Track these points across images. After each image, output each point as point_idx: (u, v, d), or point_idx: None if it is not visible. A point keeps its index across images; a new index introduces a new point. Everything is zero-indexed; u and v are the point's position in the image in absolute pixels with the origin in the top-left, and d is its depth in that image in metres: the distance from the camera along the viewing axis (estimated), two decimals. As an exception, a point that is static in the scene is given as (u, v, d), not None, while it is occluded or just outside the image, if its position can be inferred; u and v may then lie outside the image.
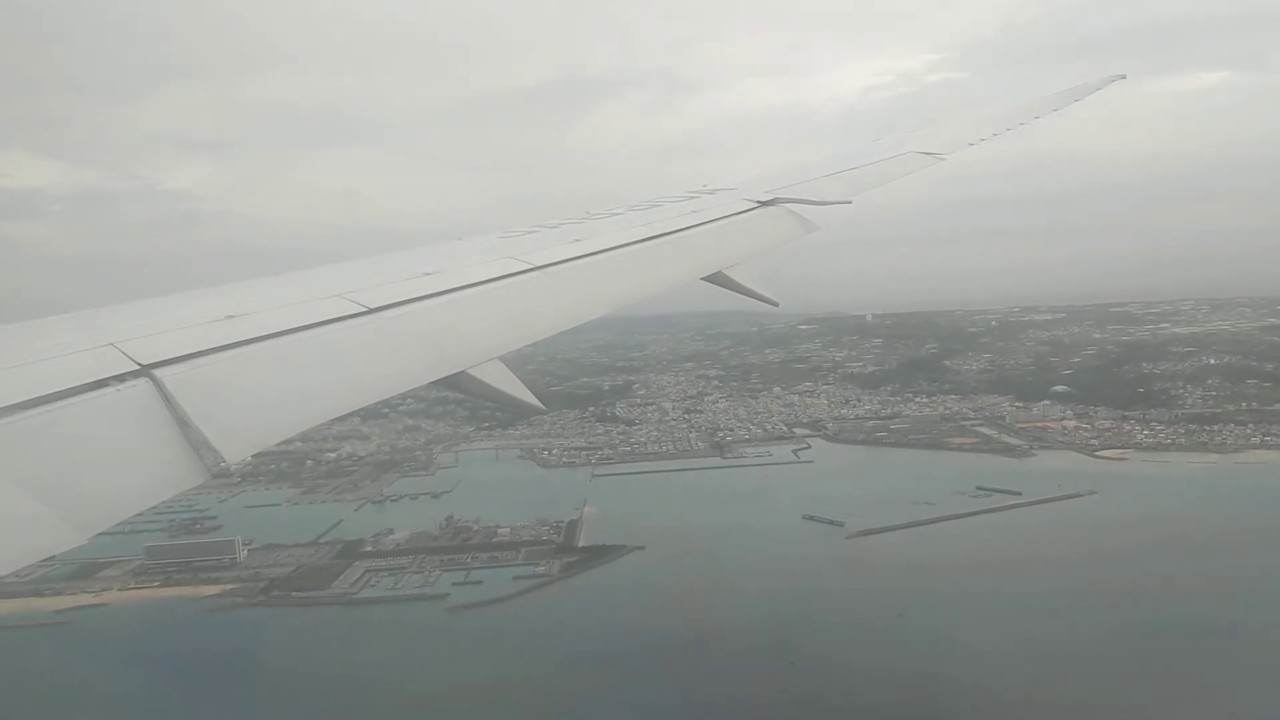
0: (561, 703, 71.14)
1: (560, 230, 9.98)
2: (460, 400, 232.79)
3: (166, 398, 4.90)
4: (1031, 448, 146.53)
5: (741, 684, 70.80)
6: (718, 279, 9.35)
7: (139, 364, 5.13)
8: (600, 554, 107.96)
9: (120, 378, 5.00)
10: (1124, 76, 20.06)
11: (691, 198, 12.17)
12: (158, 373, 5.07)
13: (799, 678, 71.62)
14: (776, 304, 9.76)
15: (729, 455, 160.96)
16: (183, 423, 4.78)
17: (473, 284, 7.52)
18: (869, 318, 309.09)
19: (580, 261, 8.57)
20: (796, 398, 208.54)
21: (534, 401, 6.68)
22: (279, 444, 5.29)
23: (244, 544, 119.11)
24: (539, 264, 8.19)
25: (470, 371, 6.32)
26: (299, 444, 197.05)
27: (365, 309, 6.54)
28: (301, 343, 5.95)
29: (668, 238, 9.74)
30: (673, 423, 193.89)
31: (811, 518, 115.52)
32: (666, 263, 9.40)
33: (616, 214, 11.12)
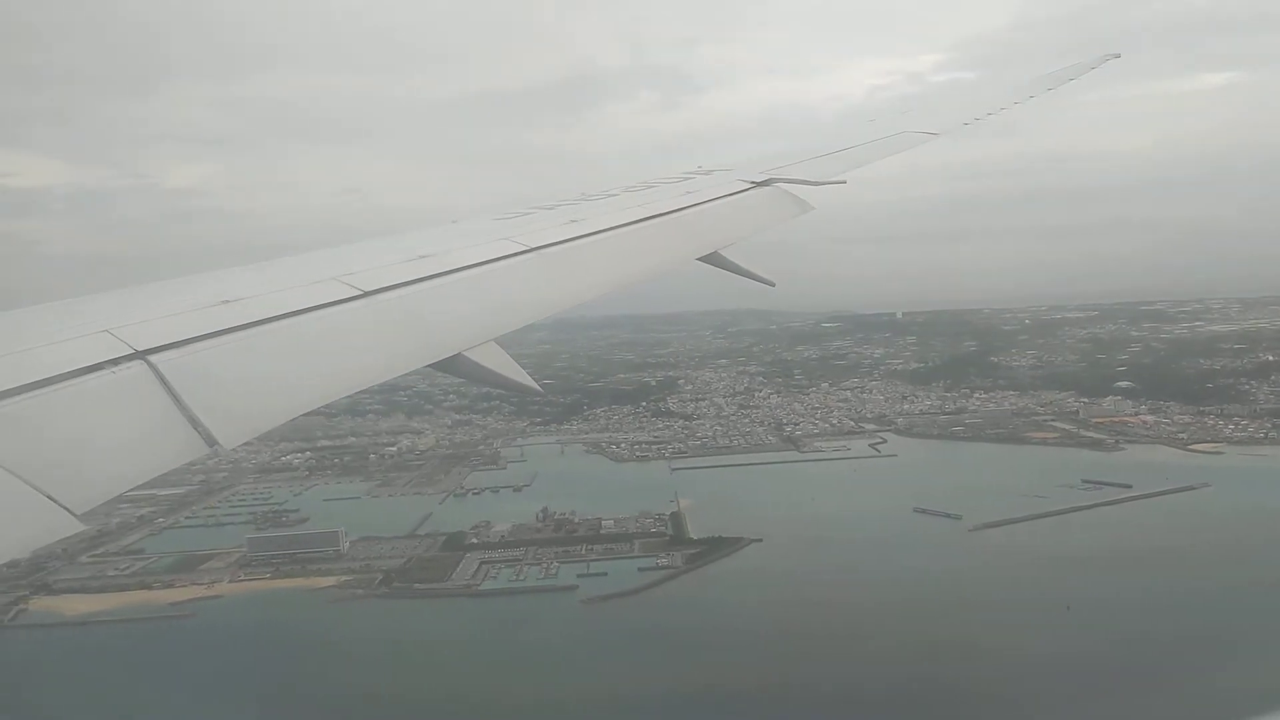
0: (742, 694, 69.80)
1: (556, 212, 9.85)
2: (504, 395, 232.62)
3: (162, 383, 4.84)
4: (1117, 442, 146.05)
5: (931, 679, 69.50)
6: (713, 259, 9.27)
7: (134, 349, 5.04)
8: (719, 546, 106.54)
9: (115, 363, 4.90)
10: (1118, 55, 19.83)
11: (686, 179, 12.00)
12: (153, 358, 5.01)
13: (986, 670, 70.37)
14: (773, 284, 9.60)
15: (805, 450, 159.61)
16: (179, 406, 4.73)
17: (468, 266, 7.46)
18: (899, 315, 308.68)
19: (576, 243, 8.50)
20: (850, 393, 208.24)
21: (530, 383, 6.63)
22: (276, 425, 5.17)
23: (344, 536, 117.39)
24: (534, 245, 8.14)
25: (466, 354, 6.29)
26: (352, 439, 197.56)
27: (360, 292, 6.48)
28: (297, 327, 5.90)
29: (663, 218, 9.67)
30: (731, 418, 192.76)
31: (924, 510, 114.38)
32: (662, 243, 9.34)
33: (612, 195, 10.95)
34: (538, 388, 6.70)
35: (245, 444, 4.95)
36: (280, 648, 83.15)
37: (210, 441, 4.67)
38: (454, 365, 6.28)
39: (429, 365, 6.22)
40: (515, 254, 7.92)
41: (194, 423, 4.68)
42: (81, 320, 5.52)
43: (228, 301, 6.03)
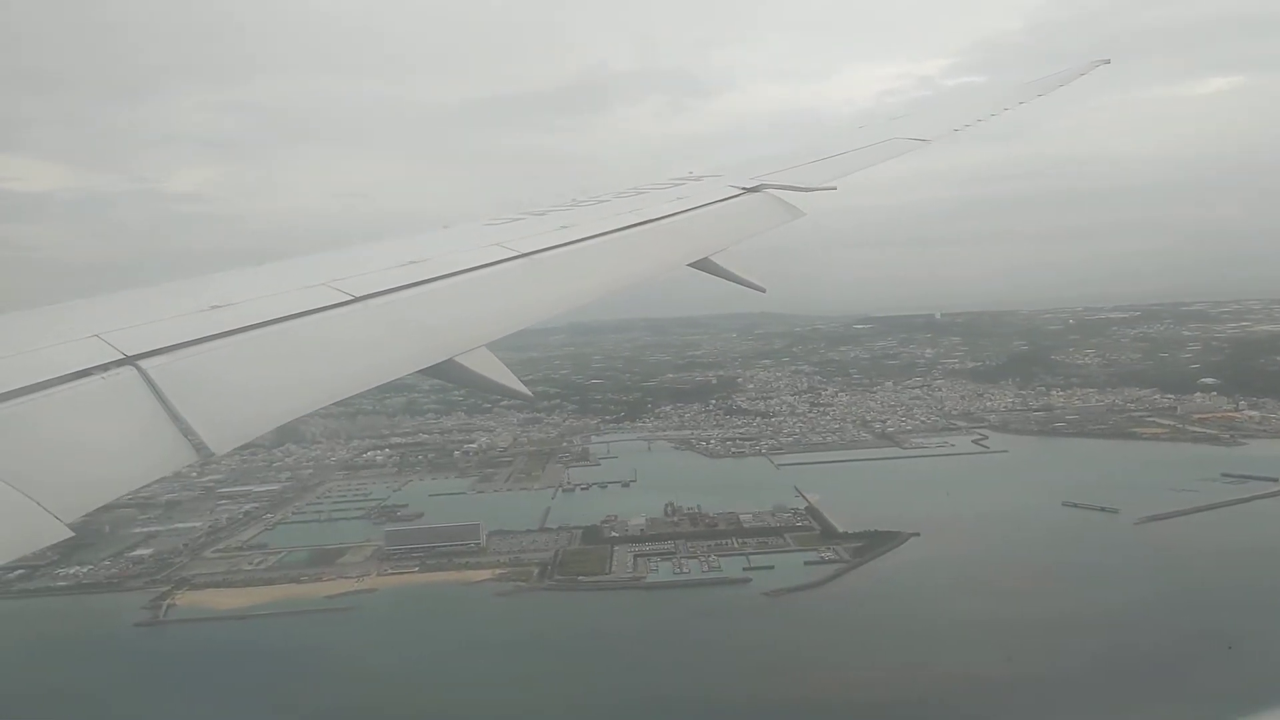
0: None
1: (546, 217, 9.84)
2: (566, 395, 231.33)
3: (152, 388, 4.80)
4: (1233, 437, 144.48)
5: (1191, 671, 67.39)
6: (704, 265, 9.24)
7: (124, 354, 4.98)
8: (879, 540, 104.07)
9: (105, 368, 4.84)
10: (1108, 61, 19.65)
11: (677, 184, 12.03)
12: (143, 363, 4.94)
13: (1243, 662, 68.28)
14: (763, 290, 9.47)
15: (906, 446, 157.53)
16: (168, 412, 4.69)
17: (459, 271, 7.40)
18: (938, 316, 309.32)
19: (566, 249, 8.46)
20: (919, 391, 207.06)
21: (521, 388, 6.55)
22: (265, 433, 5.11)
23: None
24: (525, 251, 8.10)
25: (457, 359, 6.22)
26: (424, 436, 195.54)
27: (351, 297, 6.46)
28: (287, 332, 5.85)
29: (654, 224, 9.66)
30: (808, 415, 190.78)
31: (1074, 505, 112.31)
32: (653, 250, 9.34)
33: (603, 201, 10.95)
34: (529, 393, 6.65)
35: (238, 448, 4.82)
36: (486, 641, 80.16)
37: (201, 448, 4.55)
38: (445, 370, 6.18)
39: (420, 370, 6.09)
40: (506, 260, 7.85)
41: (184, 429, 4.57)
42: (71, 325, 5.43)
43: (218, 306, 5.96)
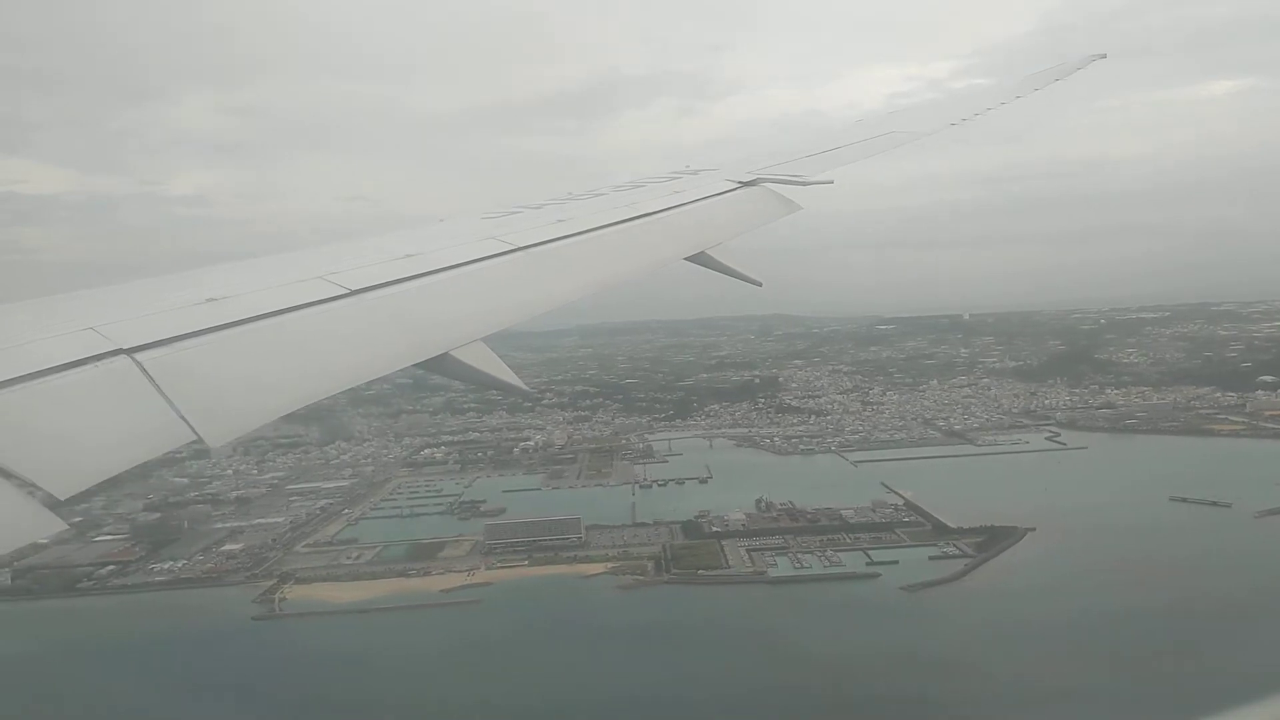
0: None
1: (543, 211, 9.80)
2: (608, 393, 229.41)
3: (148, 380, 4.78)
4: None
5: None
6: (701, 259, 9.23)
7: (119, 347, 4.96)
8: (997, 535, 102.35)
9: (98, 359, 4.81)
10: (1104, 56, 19.70)
11: (674, 178, 12.00)
12: (139, 356, 4.92)
13: None
14: (759, 284, 9.39)
15: (980, 443, 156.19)
16: (165, 403, 4.67)
17: (455, 265, 7.35)
18: (966, 316, 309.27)
19: (562, 242, 8.43)
20: (969, 389, 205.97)
21: (517, 383, 6.52)
22: (261, 425, 5.03)
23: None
24: (521, 245, 8.06)
25: (453, 353, 6.21)
26: (475, 434, 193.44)
27: (347, 291, 6.42)
28: (283, 325, 5.82)
29: (650, 218, 9.62)
30: (864, 414, 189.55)
31: (1182, 499, 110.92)
32: (649, 243, 9.28)
33: (599, 194, 10.92)
34: (525, 388, 6.59)
35: (234, 440, 4.74)
36: (648, 632, 78.48)
37: (195, 440, 4.53)
38: (441, 365, 6.15)
39: (416, 365, 6.09)
40: (502, 253, 7.81)
41: (179, 421, 4.56)
42: (65, 318, 5.35)
43: (213, 300, 5.91)
